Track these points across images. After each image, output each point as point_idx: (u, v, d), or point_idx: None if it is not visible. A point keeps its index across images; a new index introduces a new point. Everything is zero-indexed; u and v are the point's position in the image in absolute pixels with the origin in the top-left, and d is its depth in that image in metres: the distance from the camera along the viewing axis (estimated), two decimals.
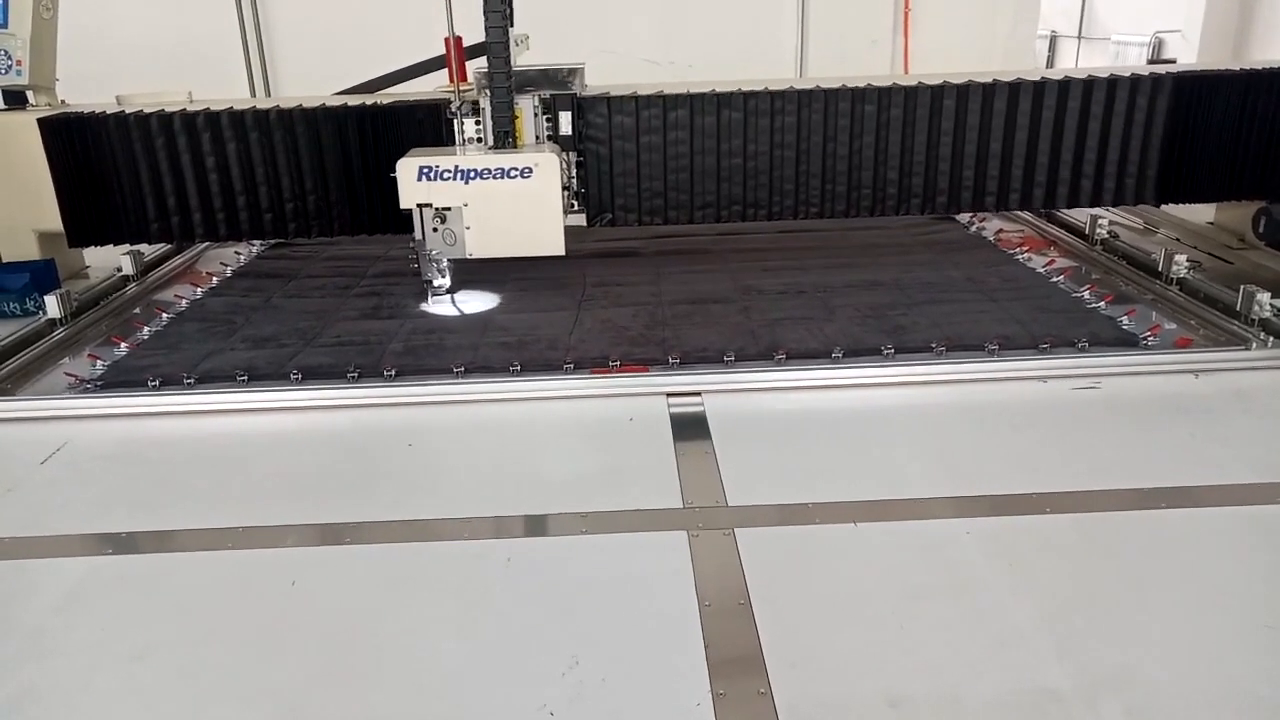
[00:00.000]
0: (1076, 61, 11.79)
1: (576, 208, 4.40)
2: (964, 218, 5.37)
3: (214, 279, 4.79)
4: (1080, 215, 4.98)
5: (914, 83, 4.27)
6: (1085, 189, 4.44)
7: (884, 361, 3.56)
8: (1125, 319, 3.83)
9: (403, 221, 4.10)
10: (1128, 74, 4.32)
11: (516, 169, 3.88)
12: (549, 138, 4.22)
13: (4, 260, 4.52)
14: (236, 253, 5.18)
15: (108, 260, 4.80)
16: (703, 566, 2.41)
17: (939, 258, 4.81)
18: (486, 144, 4.03)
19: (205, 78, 5.86)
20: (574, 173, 4.32)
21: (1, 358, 3.69)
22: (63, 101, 4.67)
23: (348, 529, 2.63)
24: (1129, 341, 3.66)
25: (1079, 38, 11.90)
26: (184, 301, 4.46)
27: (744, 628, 2.18)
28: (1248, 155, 4.43)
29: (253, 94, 7.11)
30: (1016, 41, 7.42)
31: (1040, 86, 4.28)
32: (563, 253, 4.03)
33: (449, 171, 3.86)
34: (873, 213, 4.46)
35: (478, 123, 4.02)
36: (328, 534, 2.63)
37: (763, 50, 7.26)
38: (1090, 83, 4.28)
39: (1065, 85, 4.28)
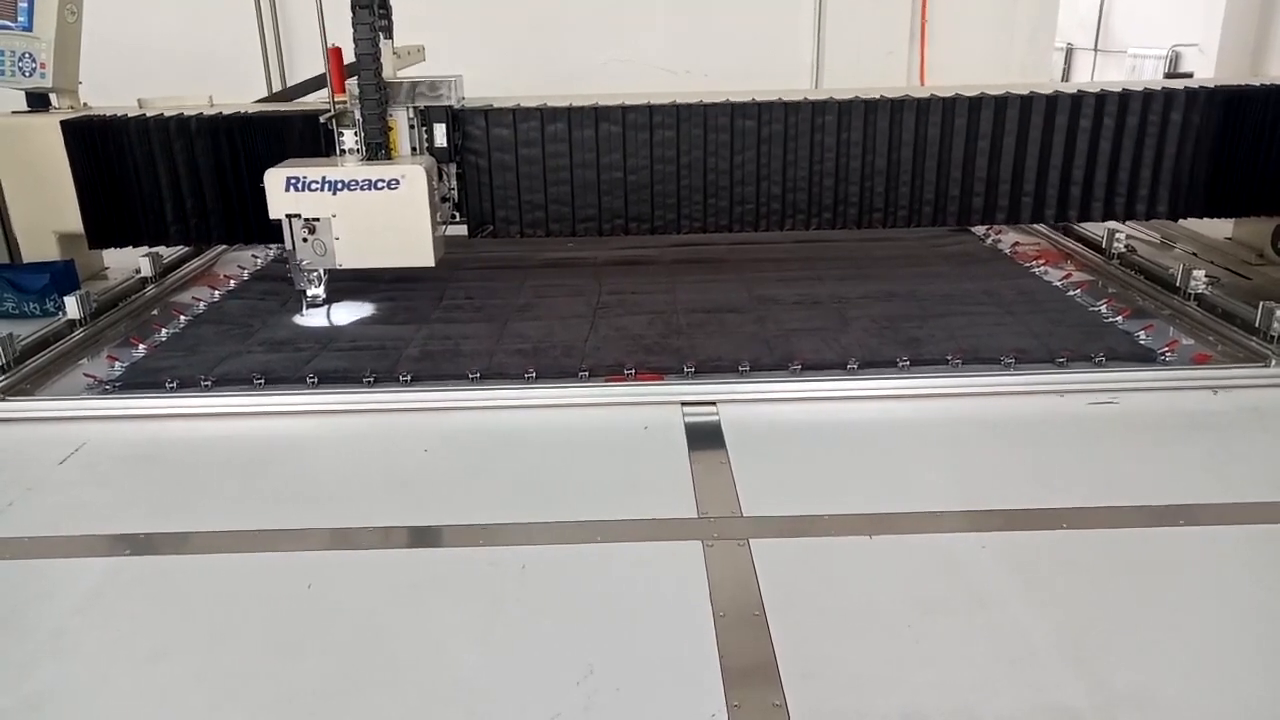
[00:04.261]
0: (1093, 74, 11.74)
1: (458, 218, 4.37)
2: (980, 230, 5.35)
3: (231, 282, 4.82)
4: (1097, 229, 4.96)
5: (800, 98, 4.25)
6: (1119, 201, 4.41)
7: (900, 373, 3.55)
8: (1142, 334, 3.81)
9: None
10: (1159, 87, 4.30)
11: (384, 180, 3.86)
12: (427, 149, 4.19)
13: (25, 261, 4.56)
14: (254, 256, 5.21)
15: (127, 262, 4.83)
16: (717, 577, 2.40)
17: (955, 270, 4.80)
18: (361, 155, 4.03)
19: (225, 82, 5.91)
20: (453, 184, 4.29)
21: (21, 358, 3.71)
22: (85, 104, 4.71)
23: (363, 533, 2.64)
24: (1146, 357, 3.64)
25: (1095, 50, 11.85)
26: (202, 304, 4.48)
27: (759, 639, 2.18)
28: (1269, 170, 4.41)
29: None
30: (1033, 53, 7.40)
31: (1003, 101, 4.25)
32: (433, 263, 4.01)
33: (316, 182, 3.85)
34: (755, 227, 4.44)
35: (357, 134, 4.02)
36: (343, 538, 2.64)
37: (779, 60, 7.27)
38: (1126, 96, 4.25)
39: (1102, 98, 4.24)
